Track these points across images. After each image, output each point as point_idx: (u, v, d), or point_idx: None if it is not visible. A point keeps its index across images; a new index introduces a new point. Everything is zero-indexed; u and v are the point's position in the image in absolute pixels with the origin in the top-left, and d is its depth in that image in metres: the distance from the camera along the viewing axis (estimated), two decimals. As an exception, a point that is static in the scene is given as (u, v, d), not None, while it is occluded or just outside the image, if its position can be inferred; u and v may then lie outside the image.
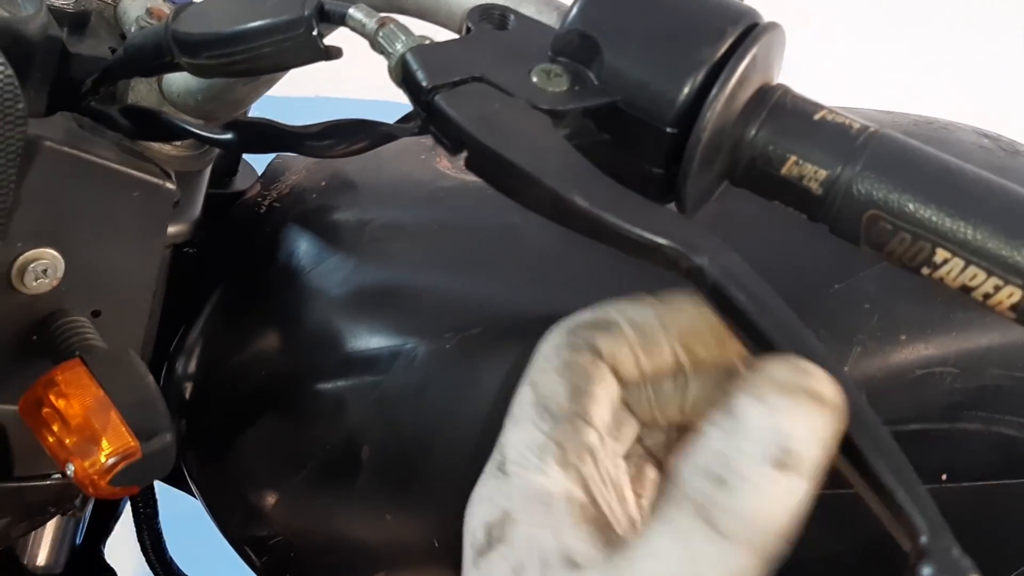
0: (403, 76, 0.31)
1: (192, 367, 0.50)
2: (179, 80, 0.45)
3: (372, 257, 0.47)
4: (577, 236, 0.30)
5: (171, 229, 0.45)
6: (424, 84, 0.30)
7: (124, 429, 0.36)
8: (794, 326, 0.27)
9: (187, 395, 0.50)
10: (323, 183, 0.52)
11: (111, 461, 0.35)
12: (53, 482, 0.42)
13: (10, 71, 0.30)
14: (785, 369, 0.25)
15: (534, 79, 0.31)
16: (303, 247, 0.49)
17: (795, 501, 0.25)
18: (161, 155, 0.46)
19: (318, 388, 0.46)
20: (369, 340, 0.45)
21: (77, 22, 0.46)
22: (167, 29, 0.38)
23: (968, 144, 0.51)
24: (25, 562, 0.53)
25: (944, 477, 0.44)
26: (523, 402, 0.29)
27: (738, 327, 0.27)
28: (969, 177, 0.30)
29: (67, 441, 0.36)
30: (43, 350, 0.40)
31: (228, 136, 0.40)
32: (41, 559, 0.53)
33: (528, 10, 0.35)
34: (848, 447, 0.26)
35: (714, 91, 0.30)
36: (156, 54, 0.39)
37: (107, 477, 0.35)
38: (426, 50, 0.32)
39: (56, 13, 0.45)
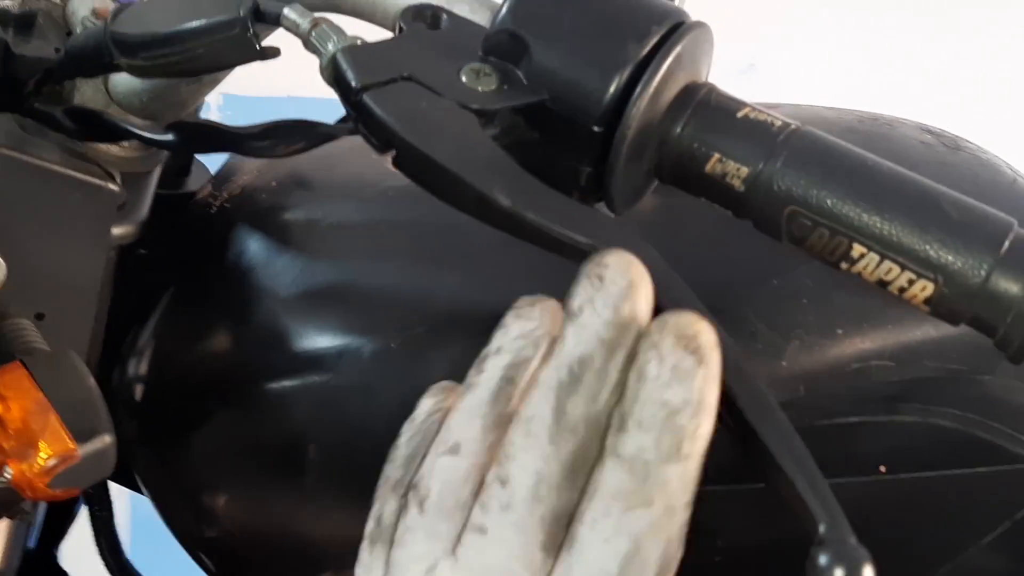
0: (334, 76, 0.32)
1: (143, 368, 0.50)
2: (124, 81, 0.45)
3: (321, 257, 0.48)
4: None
5: (117, 230, 0.45)
6: (353, 84, 0.31)
7: (63, 431, 0.36)
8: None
9: (137, 396, 0.50)
10: (274, 183, 0.52)
11: (50, 463, 0.35)
12: (-3, 485, 0.42)
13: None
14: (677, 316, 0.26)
15: (463, 79, 0.31)
16: (253, 247, 0.49)
17: None
18: (108, 156, 0.46)
19: (266, 388, 0.46)
20: (317, 340, 0.46)
21: (22, 23, 0.46)
22: (106, 30, 0.38)
23: (910, 140, 0.52)
24: (-25, 565, 0.53)
25: (883, 469, 0.45)
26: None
27: None
28: (885, 173, 0.31)
29: (5, 444, 0.36)
30: (-18, 353, 0.39)
31: (169, 137, 0.40)
32: (-7, 562, 0.53)
33: (462, 9, 0.35)
34: (753, 441, 0.26)
35: (638, 89, 0.30)
36: (96, 55, 0.39)
37: (45, 479, 0.35)
38: (357, 50, 0.32)
39: (5, 16, 0.45)
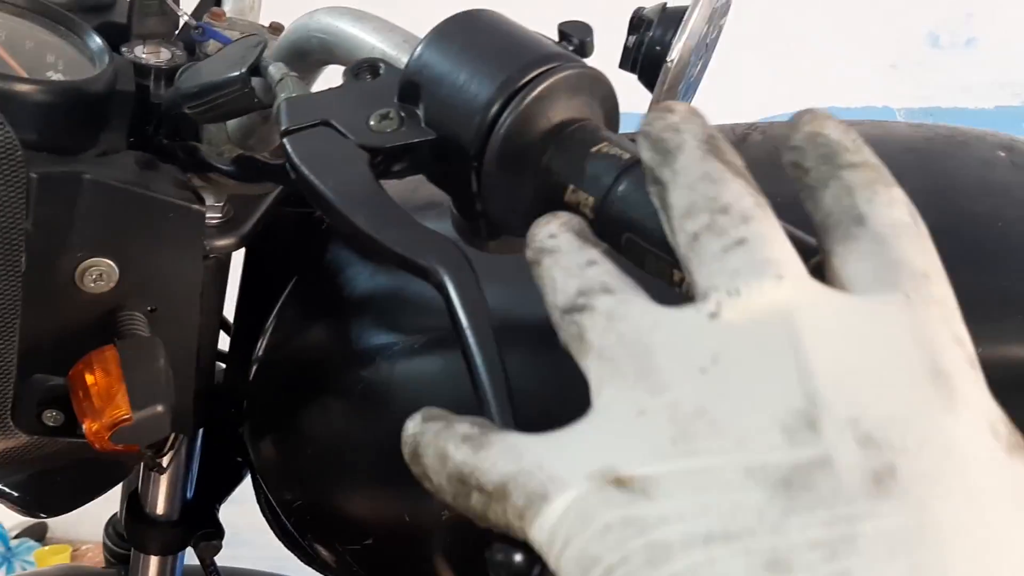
0: (277, 121, 0.39)
1: (260, 352, 0.60)
2: (231, 121, 0.55)
3: (382, 266, 0.55)
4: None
5: (220, 242, 0.55)
6: (282, 127, 0.37)
7: (125, 400, 0.46)
8: (487, 341, 0.31)
9: (250, 376, 0.60)
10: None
11: (110, 423, 0.46)
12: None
13: (7, 129, 0.41)
14: None
15: (371, 122, 0.37)
16: (342, 257, 0.58)
17: None
18: (226, 183, 0.57)
19: (331, 379, 0.54)
20: (367, 337, 0.53)
21: (169, 75, 0.57)
22: (176, 84, 0.48)
23: (971, 158, 0.49)
24: (147, 510, 0.66)
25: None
26: None
27: (454, 330, 0.32)
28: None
29: (85, 407, 0.47)
30: (103, 336, 0.51)
31: (230, 168, 0.49)
32: (159, 508, 0.65)
33: (405, 61, 0.40)
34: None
35: (499, 125, 0.34)
36: (174, 104, 0.49)
37: (107, 434, 0.46)
38: (296, 100, 0.39)
39: (150, 70, 0.56)
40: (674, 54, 0.47)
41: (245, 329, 0.64)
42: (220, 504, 0.69)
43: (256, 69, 0.42)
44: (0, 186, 0.41)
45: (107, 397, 0.46)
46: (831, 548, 0.22)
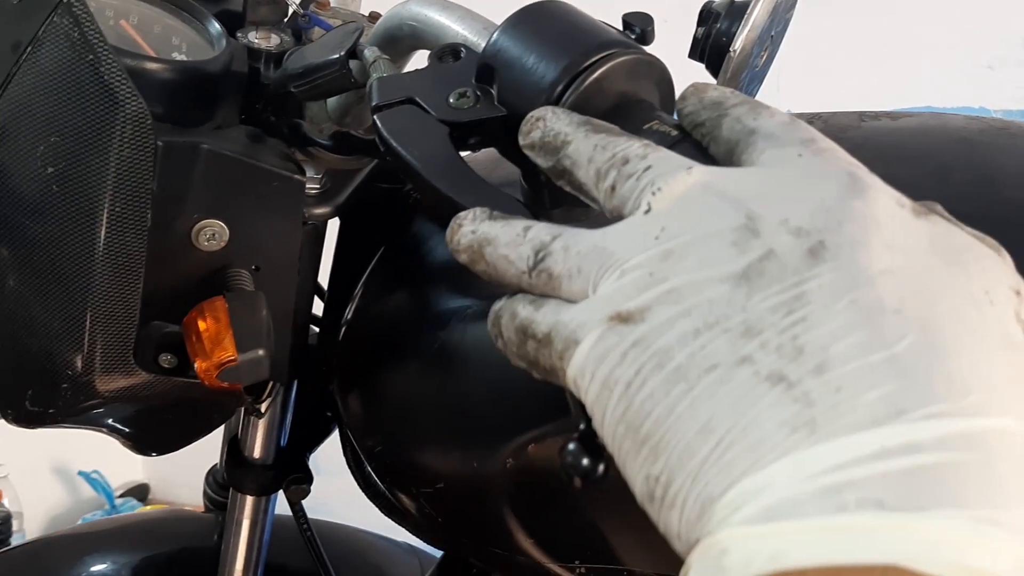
0: (368, 98, 0.44)
1: (348, 315, 0.66)
2: (331, 100, 0.61)
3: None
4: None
5: (317, 210, 0.61)
6: (373, 103, 0.42)
7: (231, 343, 0.52)
8: None
9: (340, 336, 0.65)
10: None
11: (218, 363, 0.52)
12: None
13: (140, 100, 0.47)
14: None
15: (451, 100, 0.42)
16: (425, 228, 0.63)
17: None
18: (326, 156, 0.62)
19: (412, 338, 0.59)
20: (445, 301, 0.58)
21: (278, 59, 0.63)
22: (284, 65, 0.53)
23: (1021, 149, 0.51)
24: (245, 454, 0.72)
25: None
26: None
27: None
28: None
29: (197, 349, 0.53)
30: (215, 289, 0.57)
31: (328, 142, 0.55)
32: (256, 451, 0.72)
33: (482, 46, 0.45)
34: None
35: (561, 104, 0.39)
36: (282, 84, 0.54)
37: (215, 373, 0.52)
38: (387, 79, 0.44)
39: (261, 53, 0.63)
40: (736, 45, 0.50)
41: (337, 294, 0.69)
42: (310, 453, 0.75)
43: (353, 53, 0.48)
44: (132, 150, 0.47)
45: (216, 341, 0.52)
46: (787, 306, 0.28)
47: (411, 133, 0.41)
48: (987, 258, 0.30)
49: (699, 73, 0.53)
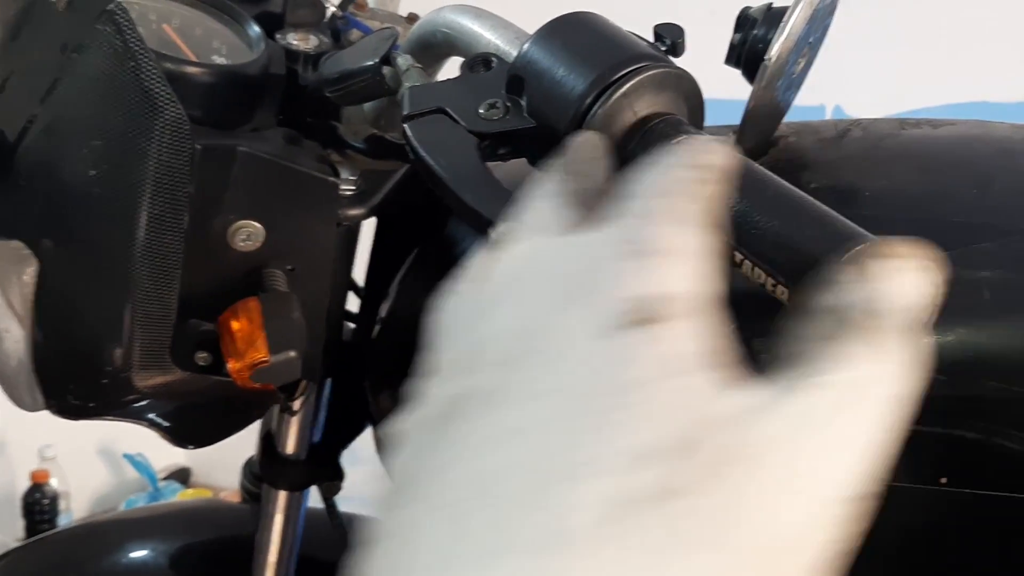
0: (401, 107, 0.44)
1: (383, 313, 0.67)
2: (367, 104, 0.61)
3: (496, 241, 0.60)
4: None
5: (351, 211, 0.61)
6: (404, 112, 0.43)
7: (263, 344, 0.53)
8: None
9: (374, 334, 0.66)
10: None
11: (250, 363, 0.53)
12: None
13: (178, 105, 0.48)
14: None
15: (481, 110, 0.42)
16: (459, 230, 0.63)
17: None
18: (360, 159, 0.63)
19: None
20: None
21: (317, 61, 0.64)
22: (320, 70, 0.54)
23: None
24: (279, 450, 0.73)
25: (943, 480, 0.46)
26: None
27: None
28: (770, 193, 0.35)
29: (231, 349, 0.54)
30: (250, 289, 0.58)
31: (363, 146, 0.55)
32: (289, 448, 0.73)
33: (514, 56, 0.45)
34: None
35: (589, 117, 0.39)
36: (319, 88, 0.55)
37: (248, 373, 0.53)
38: (419, 88, 0.44)
39: (299, 55, 0.63)
40: (772, 53, 0.50)
41: (372, 292, 0.70)
42: (343, 450, 0.76)
43: (387, 59, 0.48)
44: (170, 154, 0.48)
45: (249, 341, 0.53)
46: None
47: (440, 143, 0.41)
48: None
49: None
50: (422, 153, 0.41)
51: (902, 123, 0.59)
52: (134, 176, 0.48)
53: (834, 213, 0.35)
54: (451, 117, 0.42)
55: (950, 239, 0.43)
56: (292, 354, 0.53)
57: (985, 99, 1.92)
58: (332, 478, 0.73)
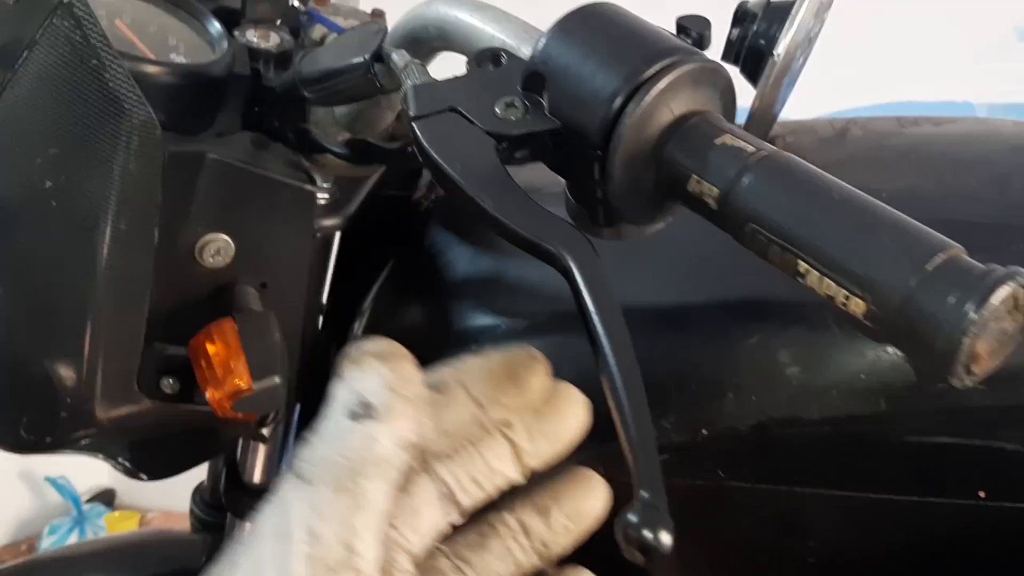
0: (405, 106, 0.40)
1: (359, 331, 0.62)
2: (340, 106, 0.57)
3: (484, 250, 0.56)
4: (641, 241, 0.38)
5: (326, 222, 0.57)
6: (411, 113, 0.39)
7: (245, 371, 0.48)
8: (616, 324, 0.32)
9: (350, 354, 0.62)
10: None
11: (232, 392, 0.48)
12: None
13: (147, 107, 0.43)
14: (355, 345, 0.32)
15: (496, 109, 0.38)
16: (442, 239, 0.60)
17: (376, 440, 0.30)
18: (332, 163, 0.59)
19: (434, 358, 0.56)
20: (470, 319, 0.54)
21: (279, 59, 0.59)
22: (296, 68, 0.49)
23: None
24: (245, 479, 0.68)
25: (982, 494, 0.44)
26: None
27: (580, 315, 0.33)
28: (837, 197, 0.33)
29: (208, 376, 0.49)
30: (220, 309, 0.53)
31: (344, 150, 0.51)
32: (256, 476, 0.68)
33: (527, 50, 0.42)
34: (617, 415, 0.31)
35: (624, 117, 0.35)
36: (293, 87, 0.51)
37: (229, 402, 0.48)
38: (424, 87, 0.40)
39: (262, 54, 0.59)
40: (781, 48, 0.47)
41: (340, 309, 0.66)
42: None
43: (379, 55, 0.44)
44: (140, 164, 0.43)
45: (228, 367, 0.48)
46: None
47: (455, 145, 0.37)
48: None
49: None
50: (435, 156, 0.37)
51: (900, 121, 0.57)
52: (97, 188, 0.43)
53: (907, 217, 0.32)
54: (465, 117, 0.38)
55: (977, 241, 0.40)
56: (276, 380, 0.49)
57: (911, 99, 1.94)
58: (302, 506, 0.69)
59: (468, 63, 0.41)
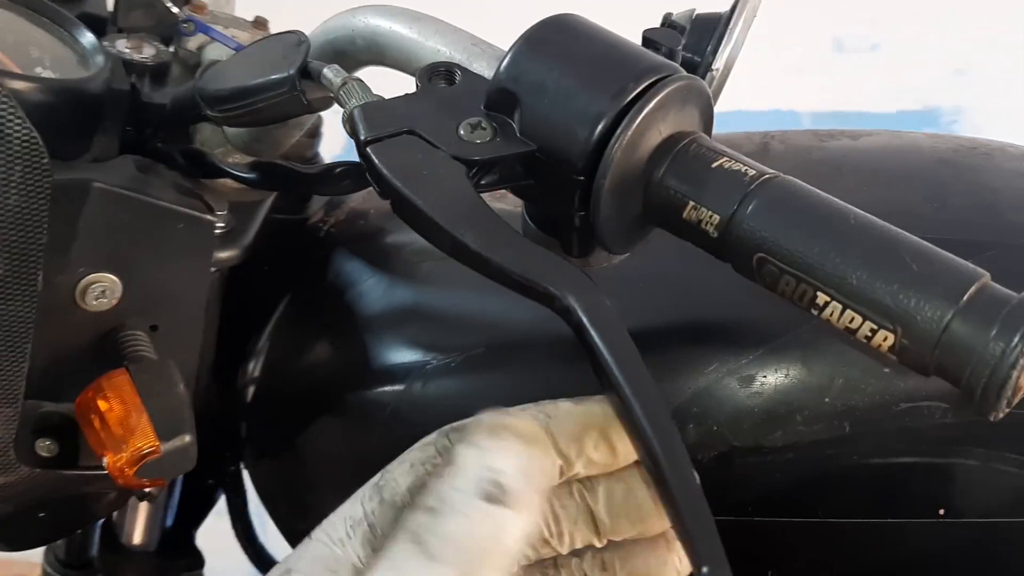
0: (350, 129, 0.35)
1: (256, 372, 0.56)
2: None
3: (403, 278, 0.52)
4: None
5: (223, 254, 0.51)
6: (362, 137, 0.34)
7: (150, 430, 0.42)
8: (634, 366, 0.29)
9: (248, 398, 0.56)
10: (373, 210, 0.57)
11: (136, 456, 0.41)
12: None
13: (31, 130, 0.36)
14: (493, 415, 0.28)
15: (461, 132, 0.34)
16: (350, 267, 0.55)
17: (506, 529, 0.27)
18: (224, 188, 0.53)
19: (351, 398, 0.51)
20: (394, 355, 0.50)
21: (156, 73, 0.53)
22: (195, 85, 0.44)
23: (1006, 170, 0.50)
24: (123, 540, 0.61)
25: (942, 512, 0.44)
26: (368, 482, 0.32)
27: (592, 363, 0.29)
28: (851, 223, 0.31)
29: (104, 437, 0.42)
30: (105, 359, 0.46)
31: (252, 175, 0.45)
32: (136, 538, 0.61)
33: (480, 66, 0.38)
34: (659, 482, 0.28)
35: (613, 140, 0.32)
36: (192, 106, 0.45)
37: (133, 469, 0.42)
38: (372, 107, 0.36)
39: (136, 67, 0.52)
40: (720, 62, 0.46)
41: (226, 348, 0.59)
42: (196, 530, 0.65)
43: (306, 71, 0.39)
44: (21, 196, 0.37)
45: (129, 427, 0.42)
46: None
47: (420, 173, 0.33)
48: None
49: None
50: (398, 185, 0.33)
51: (816, 134, 0.57)
52: (-31, 227, 0.36)
53: (927, 243, 0.30)
54: (426, 140, 0.34)
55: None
56: (187, 439, 0.43)
57: (740, 108, 2.02)
58: (191, 568, 0.62)
59: (419, 79, 0.37)
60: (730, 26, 0.46)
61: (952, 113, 1.91)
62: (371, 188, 0.52)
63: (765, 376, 0.43)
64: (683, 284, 0.44)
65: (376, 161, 0.33)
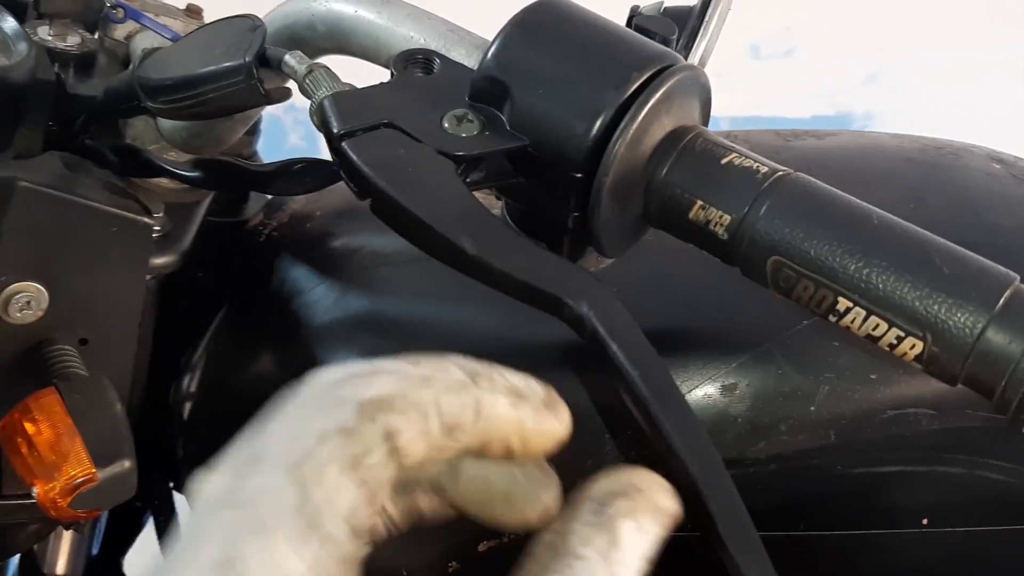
0: (320, 121, 0.32)
1: (193, 386, 0.52)
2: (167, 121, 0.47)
3: (357, 285, 0.49)
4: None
5: (159, 260, 0.47)
6: (335, 130, 0.31)
7: (85, 455, 0.38)
8: (661, 377, 0.26)
9: (185, 415, 0.52)
10: (319, 212, 0.53)
11: (71, 485, 0.37)
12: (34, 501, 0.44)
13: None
14: (634, 475, 0.25)
15: (446, 124, 0.32)
16: (297, 274, 0.51)
17: None
18: (158, 188, 0.48)
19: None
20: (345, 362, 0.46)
21: (82, 63, 0.48)
22: (134, 74, 0.40)
23: (974, 171, 0.49)
24: (45, 571, 0.56)
25: (925, 522, 0.42)
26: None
27: (611, 372, 0.27)
28: (875, 225, 0.29)
29: (33, 465, 0.38)
30: (30, 376, 0.42)
31: (196, 174, 0.42)
32: (60, 567, 0.56)
33: (458, 54, 0.35)
34: (697, 502, 0.25)
35: (617, 135, 0.30)
36: (128, 97, 0.41)
37: (67, 500, 0.37)
38: (344, 97, 0.32)
39: (60, 56, 0.48)
40: (696, 57, 0.44)
41: (156, 361, 0.55)
42: (124, 557, 0.60)
43: (264, 58, 0.35)
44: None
45: (61, 453, 0.38)
46: None
47: (403, 168, 0.30)
48: None
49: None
50: (381, 184, 0.29)
51: (779, 134, 0.55)
52: None
53: (953, 244, 0.29)
54: (407, 134, 0.31)
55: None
56: (126, 464, 0.39)
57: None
58: (119, 599, 0.57)
59: (394, 68, 0.34)
60: (705, 19, 0.44)
61: (864, 118, 1.96)
62: (324, 188, 0.49)
63: (748, 384, 0.41)
64: (663, 288, 0.42)
65: (353, 157, 0.30)
